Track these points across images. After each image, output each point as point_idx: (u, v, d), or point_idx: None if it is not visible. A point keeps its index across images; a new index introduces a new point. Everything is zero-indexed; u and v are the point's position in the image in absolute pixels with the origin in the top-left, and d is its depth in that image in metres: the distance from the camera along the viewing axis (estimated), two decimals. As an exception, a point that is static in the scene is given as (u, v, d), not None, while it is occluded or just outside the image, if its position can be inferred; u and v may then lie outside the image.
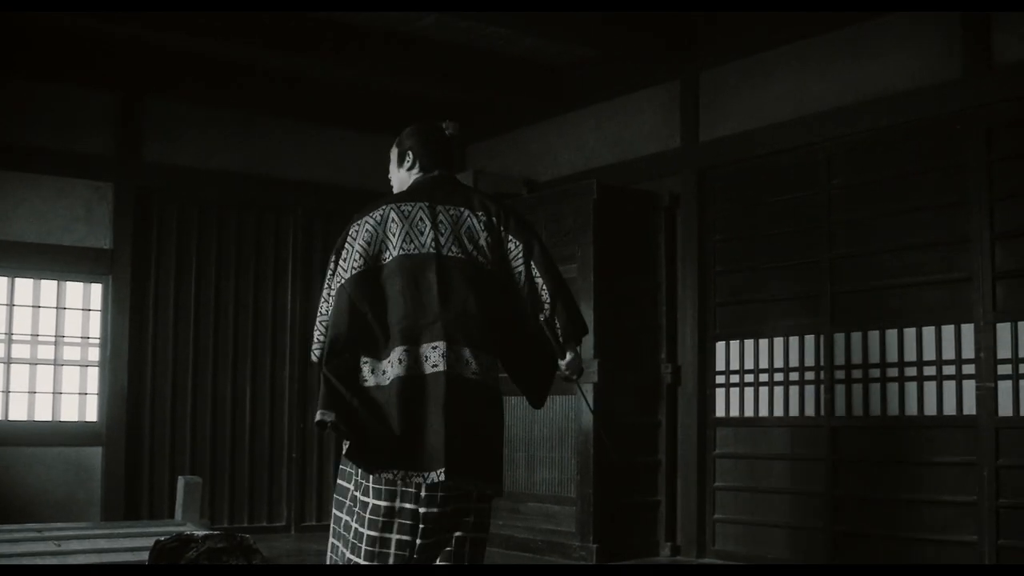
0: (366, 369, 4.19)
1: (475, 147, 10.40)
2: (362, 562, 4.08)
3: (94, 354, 8.93)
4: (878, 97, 7.28)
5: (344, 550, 4.16)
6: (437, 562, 4.12)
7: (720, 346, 8.23)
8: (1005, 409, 6.50)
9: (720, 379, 8.21)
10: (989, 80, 6.70)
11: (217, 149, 9.45)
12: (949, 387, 6.81)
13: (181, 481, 7.37)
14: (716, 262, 8.31)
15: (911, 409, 7.00)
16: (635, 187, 8.67)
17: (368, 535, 4.08)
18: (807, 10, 7.39)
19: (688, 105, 8.53)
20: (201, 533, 4.71)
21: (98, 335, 8.94)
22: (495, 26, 8.03)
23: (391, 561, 4.05)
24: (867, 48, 7.39)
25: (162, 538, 4.68)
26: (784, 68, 7.90)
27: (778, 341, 7.83)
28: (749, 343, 8.03)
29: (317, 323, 4.38)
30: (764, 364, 7.91)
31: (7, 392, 8.68)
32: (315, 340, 4.38)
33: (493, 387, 4.21)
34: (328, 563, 4.28)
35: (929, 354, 6.93)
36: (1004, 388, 6.52)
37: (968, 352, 6.72)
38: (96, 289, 8.95)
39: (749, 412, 7.99)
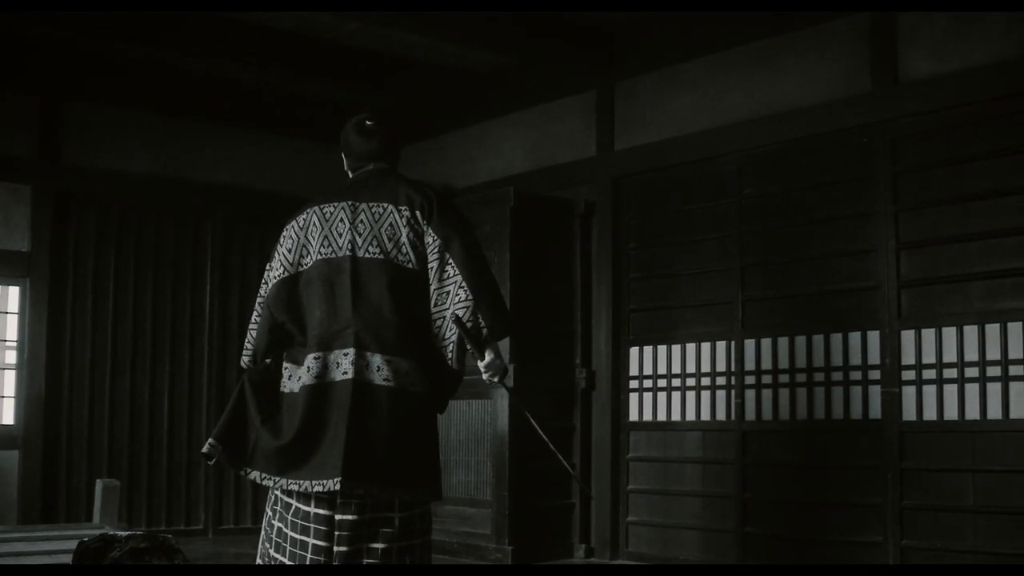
0: (286, 375, 4.24)
1: (394, 153, 10.43)
2: (285, 561, 4.14)
3: (11, 357, 8.82)
4: (789, 110, 7.45)
5: (268, 547, 4.22)
6: None
7: (634, 351, 8.36)
8: (909, 414, 6.69)
9: (634, 384, 8.34)
10: (895, 95, 6.89)
11: (138, 152, 9.38)
12: (856, 392, 6.99)
13: (99, 484, 7.32)
14: (630, 269, 8.44)
15: (819, 414, 7.17)
16: (552, 194, 8.77)
17: (290, 536, 4.13)
18: (720, 10, 7.48)
19: (604, 114, 8.65)
20: (124, 534, 4.73)
21: (15, 338, 8.83)
22: (416, 34, 8.05)
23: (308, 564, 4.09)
24: (779, 62, 7.56)
25: (86, 539, 4.70)
26: (698, 80, 8.06)
27: (690, 347, 7.97)
28: (662, 348, 8.16)
29: (248, 329, 4.43)
30: (677, 369, 8.05)
31: (-77, 395, 8.59)
32: (244, 346, 4.45)
33: (412, 392, 4.12)
34: (258, 557, 4.32)
35: (836, 360, 7.10)
36: (908, 393, 6.71)
37: (874, 358, 6.90)
38: (13, 292, 8.83)
39: (662, 416, 8.12)
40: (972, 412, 6.44)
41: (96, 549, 4.61)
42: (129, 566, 4.52)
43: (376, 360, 4.08)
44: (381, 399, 4.07)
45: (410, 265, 4.18)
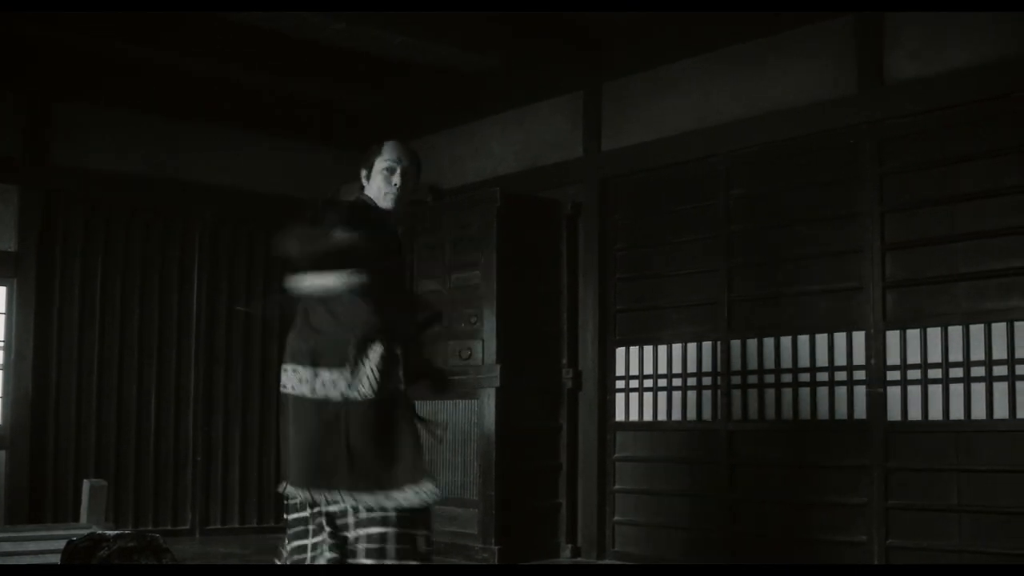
0: None
1: (381, 153, 10.43)
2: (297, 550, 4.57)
3: (-2, 357, 8.85)
4: (776, 111, 7.48)
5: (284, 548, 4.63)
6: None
7: (620, 352, 8.38)
8: (894, 413, 6.72)
9: (620, 384, 8.36)
10: (881, 96, 6.92)
11: (126, 152, 9.33)
12: (841, 392, 7.02)
13: (86, 484, 7.31)
14: (617, 269, 8.46)
15: (805, 414, 7.20)
16: (539, 195, 8.79)
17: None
18: (707, 10, 7.49)
19: (591, 115, 8.67)
20: (112, 533, 4.75)
21: (2, 338, 8.80)
22: (405, 35, 8.05)
23: (294, 555, 4.55)
24: (767, 63, 7.59)
25: (74, 539, 4.72)
26: (686, 81, 8.08)
27: (676, 347, 7.99)
28: (648, 349, 8.18)
29: None
30: (663, 369, 8.07)
31: (-91, 395, 8.56)
32: None
33: (330, 399, 4.44)
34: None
35: (822, 360, 7.13)
36: (893, 393, 6.74)
37: (859, 358, 6.93)
38: (0, 292, 8.80)
39: (648, 416, 8.14)
40: (956, 412, 6.47)
41: (85, 549, 4.63)
42: (117, 566, 4.54)
43: (304, 373, 4.46)
44: (307, 408, 4.43)
45: None
